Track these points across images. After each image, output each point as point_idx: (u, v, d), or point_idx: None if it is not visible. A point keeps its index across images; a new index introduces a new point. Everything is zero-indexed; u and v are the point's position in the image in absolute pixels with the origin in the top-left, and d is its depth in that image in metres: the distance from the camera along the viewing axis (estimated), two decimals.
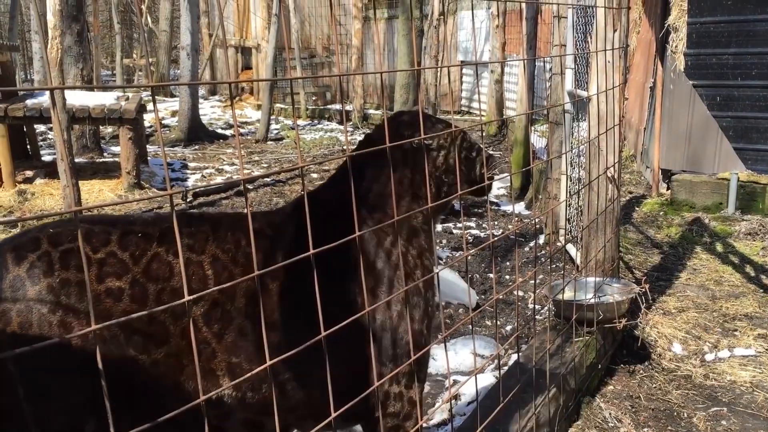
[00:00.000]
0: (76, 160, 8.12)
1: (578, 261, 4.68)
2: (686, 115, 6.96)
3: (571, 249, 4.97)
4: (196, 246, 1.92)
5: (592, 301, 3.45)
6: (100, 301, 1.77)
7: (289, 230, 2.01)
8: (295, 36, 15.42)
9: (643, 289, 3.63)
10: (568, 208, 5.17)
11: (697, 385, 3.58)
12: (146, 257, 1.85)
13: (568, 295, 3.72)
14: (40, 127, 11.11)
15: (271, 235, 1.99)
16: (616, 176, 3.85)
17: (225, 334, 1.91)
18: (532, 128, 9.13)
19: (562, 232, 5.17)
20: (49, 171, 7.86)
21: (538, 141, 9.14)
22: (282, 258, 1.94)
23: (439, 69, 12.36)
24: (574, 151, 5.12)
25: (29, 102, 7.40)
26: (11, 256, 1.79)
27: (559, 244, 5.33)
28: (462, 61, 13.69)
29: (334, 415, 1.48)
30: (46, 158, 9.07)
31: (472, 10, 2.87)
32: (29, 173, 7.86)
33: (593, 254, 3.83)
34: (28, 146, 8.72)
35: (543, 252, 5.58)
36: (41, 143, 10.19)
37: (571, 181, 5.14)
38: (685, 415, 3.30)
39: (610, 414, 3.25)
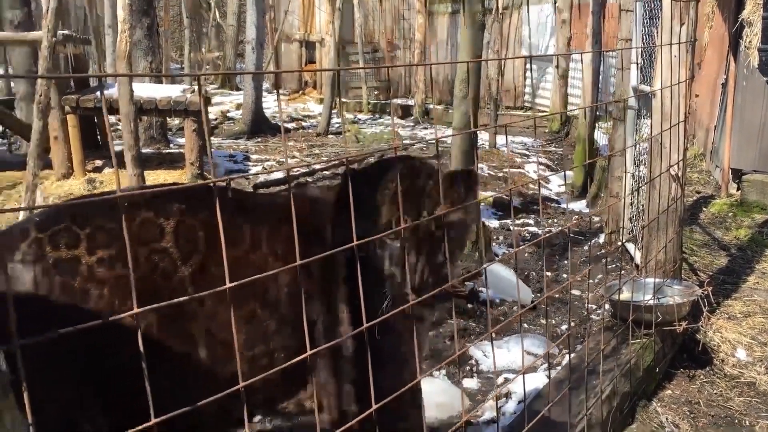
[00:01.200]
0: (144, 150, 8.35)
1: (639, 261, 4.55)
2: (759, 113, 6.68)
3: (632, 249, 4.84)
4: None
5: (651, 302, 3.35)
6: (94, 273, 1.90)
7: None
8: (359, 30, 15.48)
9: (706, 292, 3.50)
10: (630, 206, 5.03)
11: (761, 392, 3.44)
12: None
13: (626, 295, 3.62)
14: (111, 119, 11.46)
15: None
16: (680, 174, 3.73)
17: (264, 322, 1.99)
18: (597, 125, 8.92)
19: (623, 231, 5.04)
20: (119, 160, 8.09)
21: (602, 138, 8.94)
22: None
23: (502, 64, 12.21)
24: (637, 148, 4.97)
25: (99, 93, 7.64)
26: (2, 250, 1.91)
27: (619, 243, 5.20)
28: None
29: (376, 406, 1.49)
30: (118, 148, 9.35)
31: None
32: (98, 162, 8.12)
33: (654, 254, 3.72)
34: (98, 136, 9.01)
35: (602, 251, 5.44)
36: (112, 134, 10.52)
37: (634, 179, 5.00)
38: (747, 423, 3.17)
39: (667, 419, 3.15)
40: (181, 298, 1.29)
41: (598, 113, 8.83)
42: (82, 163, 7.54)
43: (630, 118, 5.00)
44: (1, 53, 14.65)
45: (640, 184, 4.66)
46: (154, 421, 1.14)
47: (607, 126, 8.98)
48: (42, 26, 5.43)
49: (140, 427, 1.16)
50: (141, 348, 1.19)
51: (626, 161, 4.95)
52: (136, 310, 1.13)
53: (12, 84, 13.05)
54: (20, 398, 1.06)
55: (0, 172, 7.86)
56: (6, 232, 1.98)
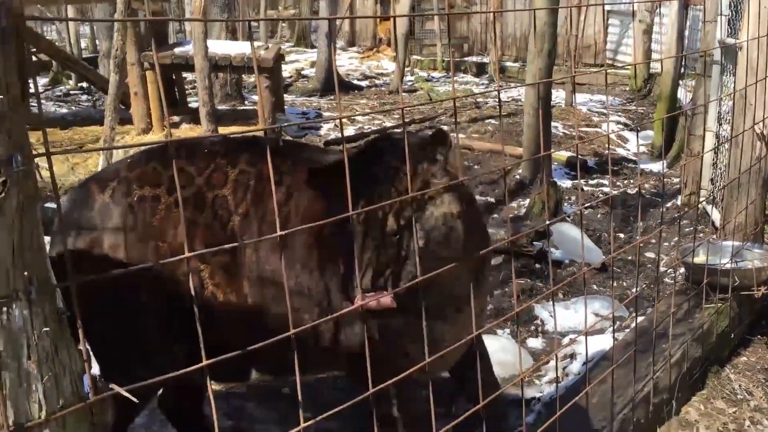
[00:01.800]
0: (219, 107, 8.50)
1: (718, 224, 4.37)
2: None
3: (711, 211, 4.64)
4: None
5: (728, 265, 3.21)
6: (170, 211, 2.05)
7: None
8: None
9: None
10: (711, 167, 4.81)
11: None
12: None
13: (702, 258, 3.48)
14: (188, 76, 11.70)
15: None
16: (765, 133, 3.52)
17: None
18: (681, 82, 8.52)
19: (703, 193, 4.83)
20: (194, 117, 8.26)
21: (686, 96, 8.53)
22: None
23: (580, 18, 11.77)
24: (722, 106, 4.73)
25: (177, 50, 7.78)
26: (96, 186, 2.06)
27: (697, 204, 4.99)
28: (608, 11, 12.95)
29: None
30: (192, 105, 9.54)
31: None
32: (176, 119, 8.31)
33: (734, 216, 3.55)
34: (176, 93, 9.21)
35: (679, 213, 5.24)
36: (189, 91, 10.73)
37: (717, 138, 4.77)
38: None
39: (740, 386, 3.03)
40: (229, 245, 1.31)
41: (682, 70, 8.43)
42: (161, 119, 7.73)
43: (715, 73, 4.75)
44: (87, 11, 15.09)
45: (722, 143, 4.44)
46: (205, 363, 1.17)
47: (691, 84, 8.58)
48: None
49: (192, 368, 1.19)
50: (192, 290, 1.22)
51: (707, 119, 4.71)
52: (187, 254, 1.15)
53: (97, 42, 13.46)
54: (77, 334, 1.10)
55: (85, 126, 8.17)
56: (101, 172, 2.14)
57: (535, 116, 5.70)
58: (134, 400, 1.13)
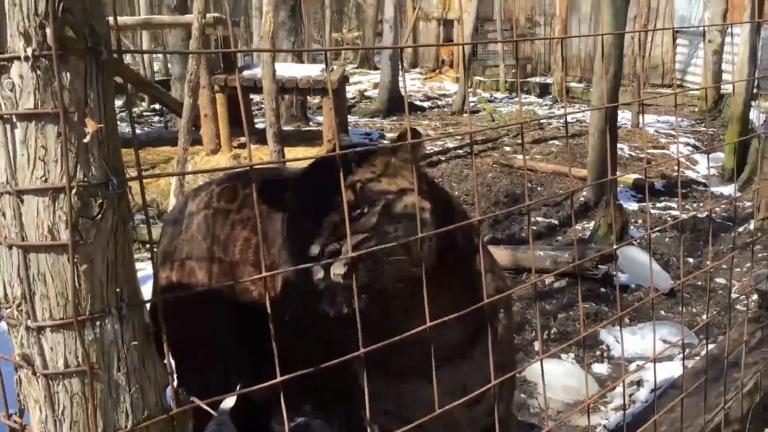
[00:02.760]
0: (284, 128, 8.69)
1: None
2: None
3: None
4: None
5: None
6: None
7: None
8: (498, 7, 15.20)
9: None
10: None
11: None
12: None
13: None
14: (255, 98, 11.99)
15: None
16: None
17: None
18: (754, 103, 8.29)
19: None
20: (261, 137, 8.47)
21: (759, 118, 8.29)
22: None
23: (647, 39, 11.59)
24: None
25: (246, 73, 8.02)
26: (191, 194, 2.20)
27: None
28: (676, 30, 12.71)
29: None
30: (259, 126, 9.78)
31: None
32: (243, 139, 8.53)
33: None
34: (245, 115, 9.47)
35: (752, 238, 5.08)
36: (256, 112, 11.00)
37: None
38: None
39: None
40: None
41: (755, 91, 8.21)
42: (229, 140, 7.96)
43: None
44: (159, 36, 15.65)
45: None
46: (279, 379, 1.21)
47: (766, 105, 8.35)
48: (193, 9, 5.76)
49: (262, 385, 1.23)
50: (268, 309, 1.26)
51: None
52: (264, 273, 1.20)
53: (169, 65, 13.96)
54: (161, 347, 1.16)
55: (157, 147, 8.47)
56: (202, 185, 2.26)
57: (600, 138, 5.64)
58: (213, 413, 1.18)
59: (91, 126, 1.01)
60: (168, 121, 10.71)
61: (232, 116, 8.28)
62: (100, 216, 1.04)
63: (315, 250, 1.42)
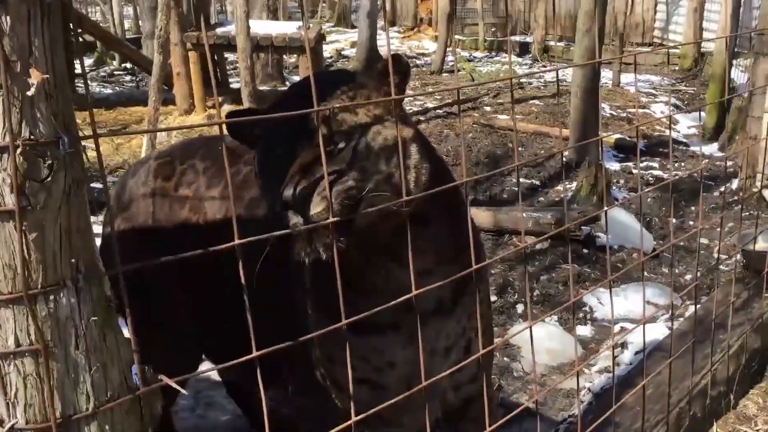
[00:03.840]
0: (260, 87, 8.49)
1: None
2: None
3: None
4: None
5: None
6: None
7: None
8: None
9: None
10: None
11: None
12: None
13: (761, 245, 3.34)
14: (230, 57, 11.72)
15: None
16: None
17: None
18: (735, 62, 8.22)
19: (759, 176, 4.64)
20: (236, 97, 8.27)
21: (740, 77, 8.23)
22: None
23: None
24: None
25: (219, 31, 7.78)
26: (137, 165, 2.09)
27: (754, 189, 4.80)
28: None
29: None
30: (234, 85, 9.55)
31: None
32: (219, 99, 8.34)
33: None
34: (219, 73, 9.23)
35: (735, 198, 5.06)
36: (230, 71, 10.75)
37: None
38: None
39: None
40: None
41: (737, 49, 8.14)
42: (203, 100, 7.75)
43: None
44: None
45: None
46: (256, 354, 1.11)
47: (746, 63, 8.27)
48: None
49: (236, 361, 1.14)
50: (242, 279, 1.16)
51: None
52: (237, 241, 1.09)
53: (140, 23, 13.57)
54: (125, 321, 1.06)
55: (129, 107, 8.24)
56: (144, 158, 2.15)
57: (583, 97, 5.55)
58: (182, 391, 1.09)
59: (35, 77, 0.89)
60: (140, 81, 10.42)
61: (206, 75, 8.05)
62: (49, 178, 0.93)
63: (288, 192, 1.26)
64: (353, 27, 18.23)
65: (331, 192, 1.27)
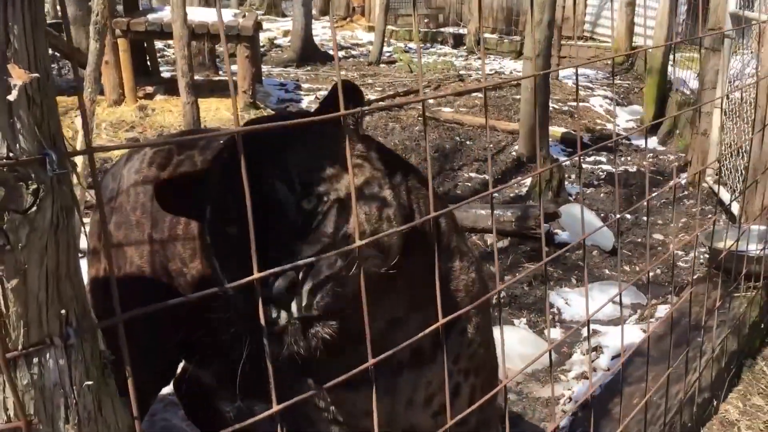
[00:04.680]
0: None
1: (728, 204, 4.22)
2: None
3: (721, 191, 4.49)
4: None
5: (761, 252, 3.05)
6: None
7: None
8: None
9: None
10: (720, 145, 4.65)
11: None
12: None
13: (720, 244, 3.32)
14: (157, 44, 11.22)
15: None
16: None
17: None
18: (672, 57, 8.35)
19: (710, 171, 4.67)
20: (168, 87, 7.88)
21: (674, 71, 8.39)
22: None
23: None
24: (732, 83, 4.56)
25: (150, 17, 7.37)
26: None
27: (705, 184, 4.84)
28: None
29: None
30: (165, 74, 9.13)
31: None
32: (149, 89, 7.91)
33: (760, 199, 3.38)
34: (149, 62, 8.78)
35: (685, 193, 5.09)
36: (159, 60, 10.28)
37: (725, 115, 4.61)
38: None
39: None
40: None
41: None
42: (134, 90, 7.33)
43: (725, 48, 4.57)
44: None
45: (748, 120, 4.27)
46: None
47: (679, 57, 8.42)
48: None
49: None
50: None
51: (719, 95, 4.54)
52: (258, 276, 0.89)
53: (58, 7, 12.82)
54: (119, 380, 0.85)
55: None
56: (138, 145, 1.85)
57: (533, 91, 5.47)
58: None
59: (18, 76, 0.67)
60: (61, 68, 9.83)
61: (136, 63, 7.63)
62: (34, 208, 0.71)
63: (275, 291, 1.04)
64: (284, 15, 17.85)
65: (321, 281, 1.08)
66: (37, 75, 0.68)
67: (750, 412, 2.68)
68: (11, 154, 0.69)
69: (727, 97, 4.53)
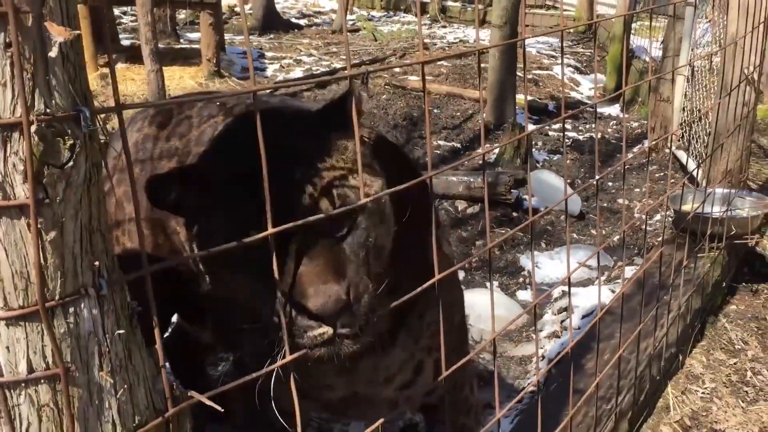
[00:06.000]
0: None
1: (693, 170, 4.35)
2: None
3: (683, 156, 4.62)
4: None
5: (724, 214, 3.17)
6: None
7: None
8: None
9: None
10: (682, 111, 4.78)
11: None
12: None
13: (688, 206, 3.44)
14: (114, 11, 10.95)
15: None
16: (756, 77, 3.47)
17: None
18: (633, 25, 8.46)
19: (673, 138, 4.80)
20: (129, 56, 7.74)
21: (635, 40, 8.51)
22: None
23: None
24: (695, 50, 4.67)
25: None
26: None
27: (666, 150, 4.97)
28: None
29: None
30: (124, 42, 8.95)
31: None
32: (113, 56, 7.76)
33: (723, 164, 3.51)
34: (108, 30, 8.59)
35: (648, 159, 5.23)
36: (117, 27, 10.06)
37: (688, 82, 4.72)
38: None
39: (736, 335, 3.03)
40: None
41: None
42: (95, 58, 7.19)
43: (689, 16, 4.67)
44: None
45: (713, 86, 4.39)
46: None
47: (637, 25, 8.54)
48: None
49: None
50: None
51: (683, 62, 4.65)
52: (271, 231, 0.93)
53: None
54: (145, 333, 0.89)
55: None
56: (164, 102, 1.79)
57: (500, 59, 5.53)
58: (219, 409, 0.92)
59: (59, 32, 0.69)
60: None
61: (96, 30, 7.45)
62: (71, 163, 0.73)
63: (332, 306, 1.07)
64: None
65: (365, 300, 1.11)
66: (78, 32, 0.69)
67: (713, 366, 2.82)
68: (48, 110, 0.71)
69: (691, 65, 4.64)
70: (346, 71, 1.06)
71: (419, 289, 1.18)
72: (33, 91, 0.70)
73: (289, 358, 0.98)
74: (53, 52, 0.69)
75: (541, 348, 2.94)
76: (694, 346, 2.91)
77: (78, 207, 0.76)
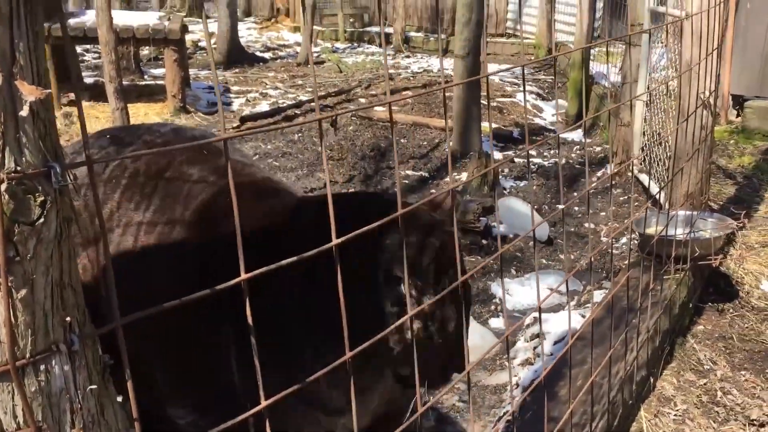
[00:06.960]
0: None
1: (656, 193, 4.44)
2: (763, 36, 6.50)
3: (646, 180, 4.72)
4: None
5: (687, 236, 3.23)
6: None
7: None
8: None
9: (742, 224, 3.40)
10: (642, 135, 4.88)
11: None
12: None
13: (652, 229, 3.51)
14: (78, 49, 10.89)
15: None
16: (712, 101, 3.57)
17: None
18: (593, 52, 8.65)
19: (635, 161, 4.90)
20: (93, 93, 7.69)
21: (595, 66, 8.71)
22: None
23: None
24: (652, 75, 4.79)
25: (72, 22, 7.18)
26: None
27: (629, 174, 5.07)
28: None
29: None
30: (88, 80, 8.89)
31: None
32: (73, 95, 7.70)
33: (684, 187, 3.59)
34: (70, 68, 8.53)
35: (611, 183, 5.32)
36: (80, 66, 10.00)
37: (647, 107, 4.84)
38: None
39: (704, 356, 3.07)
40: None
41: (593, 40, 8.57)
42: (57, 97, 7.13)
43: (644, 43, 4.80)
44: None
45: (671, 111, 4.50)
46: None
47: (595, 52, 8.74)
48: None
49: None
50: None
51: (641, 88, 4.77)
52: (243, 275, 0.93)
53: None
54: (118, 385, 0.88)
55: None
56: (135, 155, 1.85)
57: (465, 89, 5.62)
58: None
59: (30, 92, 0.69)
60: None
61: (59, 70, 7.41)
62: (42, 220, 0.73)
63: None
64: (208, 17, 17.58)
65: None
66: (49, 90, 0.70)
67: (684, 387, 2.86)
68: (18, 168, 0.71)
69: (649, 91, 4.76)
70: (315, 115, 1.07)
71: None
72: (3, 150, 0.70)
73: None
74: (24, 111, 0.69)
75: (515, 376, 2.96)
76: (665, 368, 2.95)
77: (49, 263, 0.76)
